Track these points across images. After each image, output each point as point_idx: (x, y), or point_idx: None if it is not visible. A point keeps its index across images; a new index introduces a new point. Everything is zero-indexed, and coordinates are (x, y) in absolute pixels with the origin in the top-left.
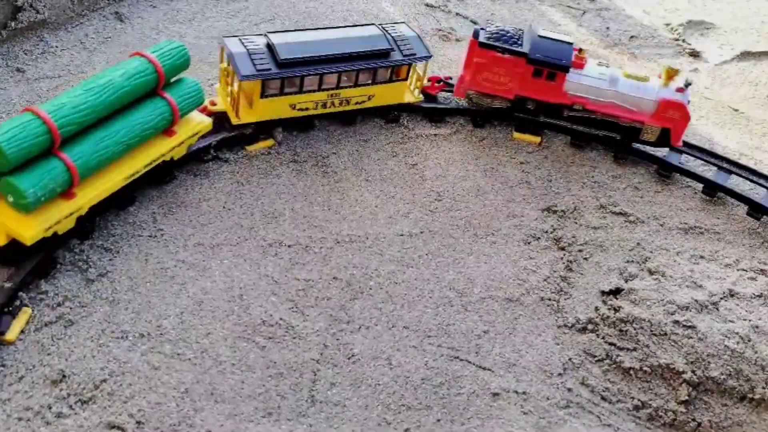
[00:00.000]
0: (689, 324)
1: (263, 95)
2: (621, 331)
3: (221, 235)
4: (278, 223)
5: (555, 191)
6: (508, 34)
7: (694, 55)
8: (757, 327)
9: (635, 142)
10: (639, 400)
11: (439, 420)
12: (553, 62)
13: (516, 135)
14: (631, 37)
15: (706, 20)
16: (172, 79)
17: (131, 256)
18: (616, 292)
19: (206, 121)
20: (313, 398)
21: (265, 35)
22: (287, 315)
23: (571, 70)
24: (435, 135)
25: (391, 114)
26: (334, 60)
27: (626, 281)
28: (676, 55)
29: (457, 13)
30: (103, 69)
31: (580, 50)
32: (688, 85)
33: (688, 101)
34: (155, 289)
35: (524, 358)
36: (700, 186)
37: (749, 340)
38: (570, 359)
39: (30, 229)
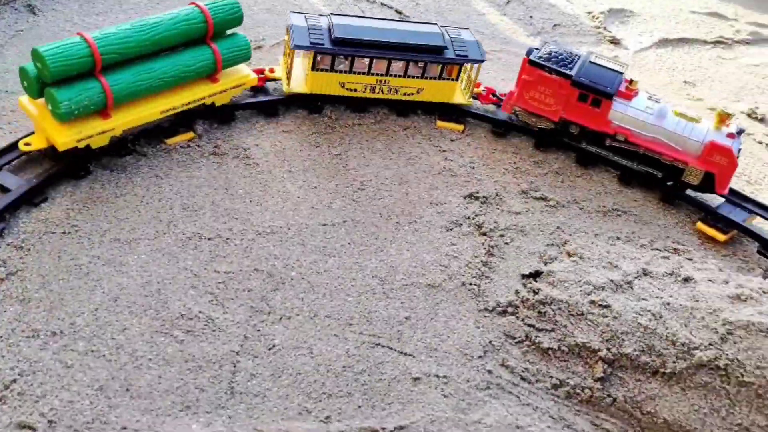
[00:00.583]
0: (604, 303)
1: (314, 68)
2: (540, 312)
3: (139, 229)
4: (198, 216)
5: (477, 178)
6: (561, 56)
7: (615, 42)
8: (668, 304)
9: (677, 183)
10: (557, 379)
11: (360, 406)
12: (596, 88)
13: (439, 123)
14: (554, 25)
15: (627, 8)
16: (227, 32)
17: (43, 253)
18: (535, 275)
19: (251, 76)
20: (232, 390)
21: (329, 16)
22: (207, 308)
23: (618, 99)
24: (359, 125)
25: (314, 105)
26: (386, 47)
27: (546, 264)
28: (597, 43)
29: (382, 3)
30: (14, 63)
31: (631, 81)
32: (740, 132)
33: (739, 149)
34: (68, 286)
35: (445, 342)
36: (619, 171)
37: (661, 317)
38: (490, 342)
39: (63, 137)
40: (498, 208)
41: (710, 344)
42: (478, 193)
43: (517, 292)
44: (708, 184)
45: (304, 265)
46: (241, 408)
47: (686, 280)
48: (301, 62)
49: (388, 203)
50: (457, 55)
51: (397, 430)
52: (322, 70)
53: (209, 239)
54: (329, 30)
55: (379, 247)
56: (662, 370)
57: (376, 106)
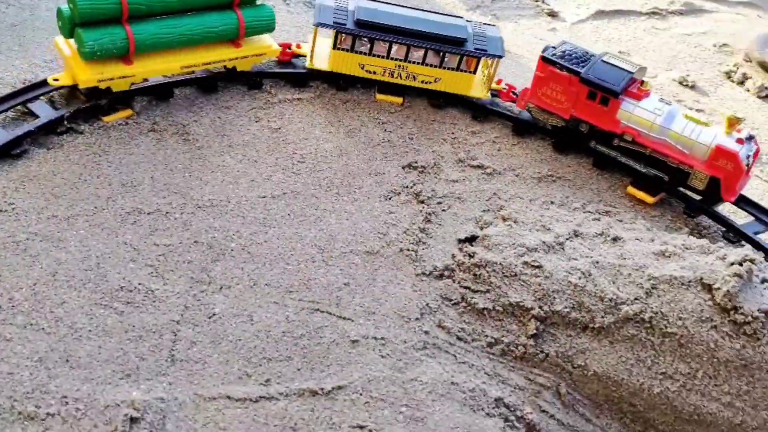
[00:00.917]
0: (537, 264)
1: (335, 47)
2: (475, 275)
3: (77, 206)
4: (137, 191)
5: (416, 148)
6: (575, 55)
7: (553, 15)
8: (597, 262)
9: (683, 187)
10: (492, 337)
11: (299, 369)
12: (603, 85)
13: (379, 96)
14: None
15: None
16: (257, 2)
17: None
18: (471, 239)
19: (274, 47)
20: (173, 357)
21: None
22: (147, 280)
23: (627, 99)
24: (298, 99)
25: (253, 80)
26: (406, 33)
27: (481, 229)
28: (536, 16)
29: None
30: None
31: (643, 82)
32: (750, 138)
33: (748, 155)
34: (6, 263)
35: (383, 306)
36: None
37: (590, 275)
38: (427, 304)
39: (86, 75)
40: (436, 177)
41: (636, 299)
42: (416, 162)
43: (453, 256)
44: (714, 189)
45: (244, 237)
46: (181, 374)
47: (615, 239)
48: (326, 41)
49: (328, 175)
50: (476, 49)
51: (336, 389)
52: (343, 49)
53: (149, 214)
54: (354, 12)
55: (318, 218)
56: (591, 325)
57: (315, 80)
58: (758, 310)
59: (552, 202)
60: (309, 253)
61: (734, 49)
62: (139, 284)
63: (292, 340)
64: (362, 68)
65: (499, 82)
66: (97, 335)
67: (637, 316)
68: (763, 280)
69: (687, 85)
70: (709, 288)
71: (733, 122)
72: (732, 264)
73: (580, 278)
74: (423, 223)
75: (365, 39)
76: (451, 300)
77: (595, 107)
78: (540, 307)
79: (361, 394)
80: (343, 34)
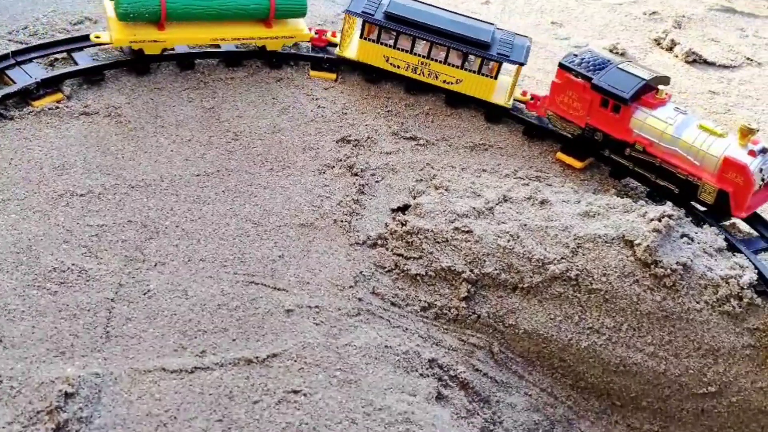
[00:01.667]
0: (467, 229)
1: (362, 36)
2: (408, 242)
3: (7, 190)
4: (69, 174)
5: (350, 123)
6: (594, 62)
7: None
8: (525, 225)
9: (693, 200)
10: (426, 301)
11: (234, 339)
12: (612, 92)
13: (312, 73)
14: None
15: None
16: None
17: None
18: (404, 208)
19: (304, 31)
20: (108, 334)
21: None
22: (80, 260)
23: (640, 107)
24: (231, 78)
25: (185, 61)
26: (430, 30)
27: (414, 198)
28: None
29: None
30: None
31: (658, 91)
32: (763, 150)
33: (761, 169)
34: None
35: (318, 276)
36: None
37: (518, 237)
38: (361, 272)
39: (120, 35)
40: (370, 150)
41: (562, 258)
42: (350, 136)
43: (386, 225)
44: (724, 204)
45: (179, 214)
46: (117, 350)
47: (543, 202)
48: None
49: (262, 151)
50: (498, 54)
51: (271, 357)
52: (369, 39)
53: (81, 195)
54: (386, 5)
55: (252, 193)
56: (521, 285)
57: (249, 59)
58: (676, 263)
59: (484, 170)
60: (243, 227)
61: (663, 16)
62: (73, 264)
63: (228, 312)
64: (387, 61)
65: (524, 93)
66: (30, 315)
67: (563, 274)
68: (683, 235)
69: (617, 53)
70: (630, 244)
71: (746, 133)
72: (651, 220)
73: (508, 241)
74: (357, 195)
75: (392, 32)
76: (384, 267)
77: (608, 115)
78: (471, 271)
79: (295, 361)
80: (370, 25)
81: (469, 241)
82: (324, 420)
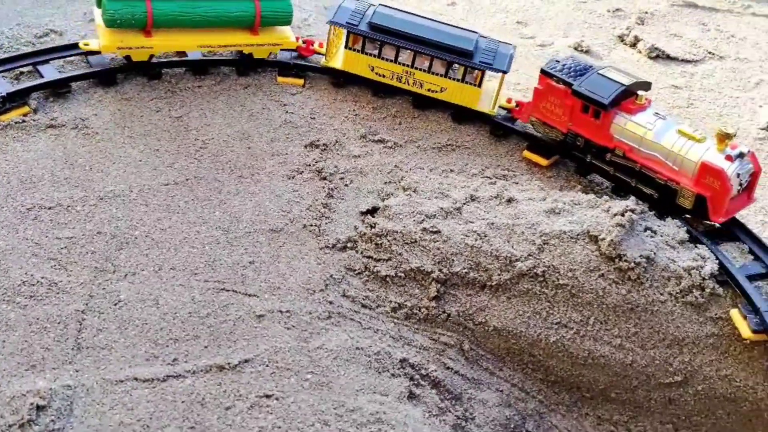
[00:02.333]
0: (435, 229)
1: (346, 46)
2: (377, 244)
3: None
4: (37, 187)
5: (318, 127)
6: (576, 68)
7: None
8: (492, 223)
9: (672, 205)
10: (396, 302)
11: (206, 346)
12: (591, 97)
13: (280, 79)
14: None
15: None
16: None
17: None
18: (373, 211)
19: (291, 39)
20: (79, 346)
21: (379, 5)
22: (49, 273)
23: (620, 112)
24: (199, 87)
25: (153, 71)
26: (413, 40)
27: (383, 200)
28: None
29: None
30: None
31: (637, 96)
32: (740, 155)
33: (739, 174)
34: None
35: (288, 280)
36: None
37: (486, 236)
38: (331, 276)
39: (107, 42)
40: (338, 154)
41: (529, 255)
42: (318, 141)
43: (355, 228)
44: (702, 209)
45: (148, 224)
46: (88, 361)
47: (509, 201)
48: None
49: (231, 158)
50: (480, 62)
51: (242, 363)
52: (354, 49)
53: (49, 208)
54: (370, 15)
55: (222, 200)
56: (489, 283)
57: (216, 66)
58: (640, 256)
59: (451, 170)
60: (213, 235)
61: (626, 13)
62: (42, 278)
63: (199, 320)
64: (372, 70)
65: (509, 101)
66: (0, 330)
67: (530, 271)
68: (646, 228)
69: (582, 50)
70: (595, 239)
71: (723, 137)
72: (615, 215)
73: (476, 240)
74: (326, 199)
75: (376, 42)
76: (354, 270)
77: (589, 121)
78: (440, 270)
79: (267, 365)
80: (354, 35)
81: (437, 241)
82: (296, 423)
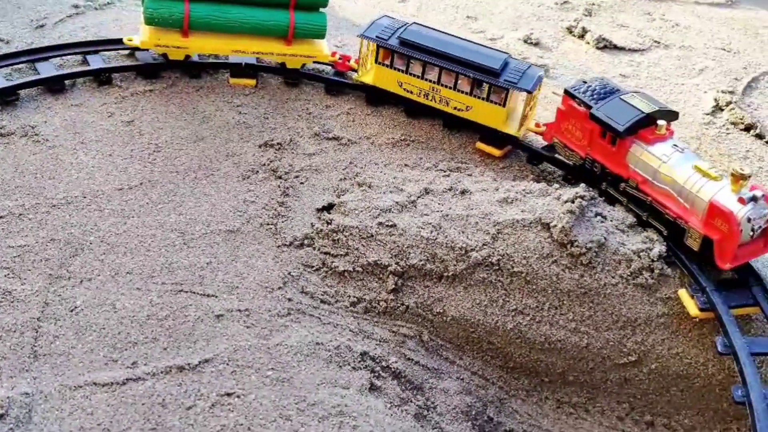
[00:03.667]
0: (391, 223)
1: (376, 61)
2: (334, 240)
3: None
4: None
5: (272, 127)
6: (602, 90)
7: None
8: (447, 215)
9: (680, 245)
10: (355, 296)
11: (165, 348)
12: (608, 123)
13: (232, 80)
14: None
15: None
16: (319, 9)
17: None
18: (329, 207)
19: (324, 52)
20: (36, 353)
21: (413, 23)
22: (3, 282)
23: (637, 141)
24: (150, 91)
25: (102, 76)
26: (440, 56)
27: (338, 196)
28: None
29: None
30: None
31: (657, 126)
32: (754, 198)
33: (751, 219)
34: None
35: (246, 279)
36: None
37: (440, 228)
38: (289, 273)
39: (146, 38)
40: (293, 152)
41: (484, 244)
42: (272, 140)
43: (312, 225)
44: (709, 252)
45: (103, 229)
46: (45, 368)
47: (463, 192)
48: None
49: (185, 161)
50: (505, 80)
51: (203, 363)
52: (384, 64)
53: (1, 217)
54: (401, 31)
55: (177, 203)
56: (445, 273)
57: (166, 70)
58: (591, 241)
59: (406, 165)
60: (169, 238)
61: (574, 5)
62: None
63: (157, 322)
64: (400, 86)
65: (537, 125)
66: None
67: (485, 260)
68: (597, 214)
69: (531, 43)
70: (547, 226)
71: (737, 178)
72: (565, 202)
73: (431, 232)
74: (281, 198)
75: (404, 57)
76: (312, 266)
77: (606, 147)
78: (397, 263)
79: (227, 364)
80: (384, 50)
81: (393, 234)
82: (258, 420)
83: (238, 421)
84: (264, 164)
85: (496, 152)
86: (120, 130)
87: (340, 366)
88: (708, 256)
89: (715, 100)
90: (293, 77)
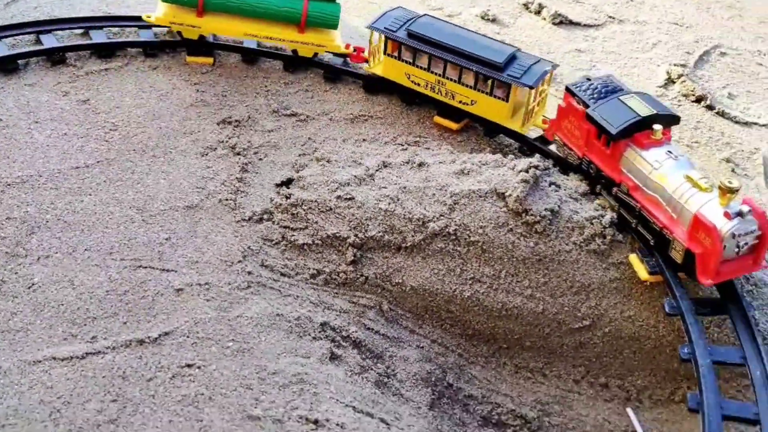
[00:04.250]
0: (349, 196)
1: (385, 52)
2: (293, 214)
3: None
4: None
5: (230, 105)
6: (604, 89)
7: None
8: (404, 188)
9: (665, 255)
10: (314, 269)
11: (125, 323)
12: (601, 124)
13: (189, 58)
14: None
15: None
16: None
17: None
18: (288, 182)
19: (335, 43)
20: None
21: (425, 15)
22: None
23: (632, 145)
24: (106, 70)
25: (56, 55)
26: (445, 49)
27: (297, 172)
28: None
29: None
30: None
31: (653, 130)
32: (739, 214)
33: (734, 234)
34: None
35: (206, 254)
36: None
37: (398, 200)
38: (249, 247)
39: (161, 15)
40: (251, 129)
41: (441, 215)
42: (231, 118)
43: (271, 200)
44: (692, 266)
45: (59, 207)
46: (4, 344)
47: (420, 165)
48: None
49: (142, 139)
50: (508, 75)
51: (162, 336)
52: (392, 56)
53: None
54: (411, 23)
55: (135, 180)
56: (404, 244)
57: (122, 49)
58: (545, 210)
59: (364, 140)
60: (128, 214)
61: None
62: None
63: (116, 297)
64: (408, 78)
65: (544, 122)
66: None
67: (443, 230)
68: (551, 183)
69: (488, 19)
70: (502, 196)
71: (724, 191)
72: (520, 172)
73: (389, 204)
74: (240, 173)
75: (410, 49)
76: (272, 240)
77: (601, 149)
78: (356, 235)
79: (187, 337)
80: (392, 42)
81: (351, 207)
82: (219, 389)
83: (199, 391)
84: (222, 141)
85: (453, 125)
86: (75, 109)
87: (301, 336)
88: (691, 269)
89: (668, 73)
90: (250, 56)
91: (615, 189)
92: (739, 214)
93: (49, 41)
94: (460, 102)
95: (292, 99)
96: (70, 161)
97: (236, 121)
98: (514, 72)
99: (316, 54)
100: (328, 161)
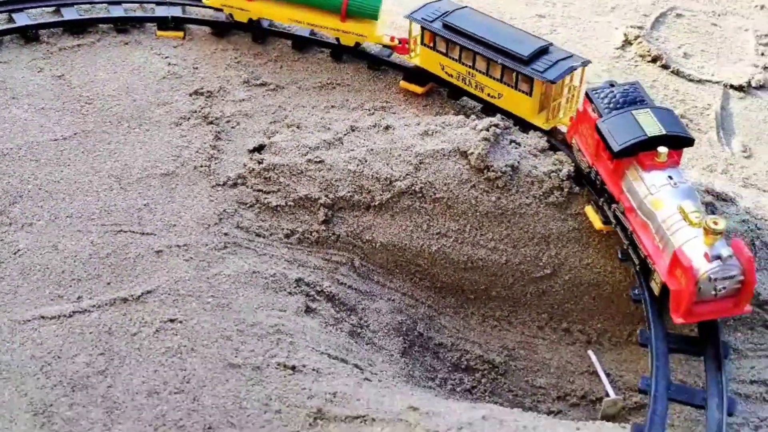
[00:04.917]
0: (319, 159)
1: (422, 42)
2: (266, 178)
3: None
4: None
5: (202, 76)
6: (625, 99)
7: None
8: (371, 150)
9: (648, 284)
10: (288, 229)
11: (109, 283)
12: (606, 138)
13: (159, 33)
14: None
15: None
16: None
17: None
18: (260, 148)
19: (375, 34)
20: None
21: (465, 7)
22: None
23: (635, 164)
24: (79, 46)
25: (30, 32)
26: (475, 40)
27: (269, 138)
28: None
29: None
30: None
31: (657, 152)
32: (718, 257)
33: (711, 278)
34: None
35: (183, 218)
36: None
37: (366, 161)
38: (224, 210)
39: None
40: (223, 99)
41: (407, 175)
42: (203, 89)
43: (244, 165)
44: (666, 300)
45: (40, 178)
46: None
47: (387, 128)
48: None
49: (117, 111)
50: (532, 69)
51: (145, 294)
52: (428, 46)
53: None
54: (447, 13)
55: (112, 151)
56: (372, 203)
57: (94, 25)
58: (505, 166)
59: (332, 106)
60: (106, 183)
61: None
62: None
63: (99, 260)
64: (442, 69)
65: (571, 119)
66: None
67: (409, 189)
68: (511, 141)
69: None
70: (465, 154)
71: (707, 231)
72: (481, 131)
73: (357, 165)
74: (214, 141)
75: (444, 40)
76: (246, 203)
77: (607, 163)
78: (326, 196)
79: (169, 294)
80: (428, 33)
81: (321, 170)
82: (201, 341)
83: (182, 343)
84: (195, 111)
85: (418, 89)
86: (50, 84)
87: (277, 291)
88: (666, 302)
89: (625, 35)
90: (218, 29)
91: (614, 206)
92: (719, 257)
93: (21, 19)
94: (488, 95)
95: (261, 69)
96: (49, 134)
97: (208, 91)
98: (538, 66)
99: (358, 44)
100: (298, 127)
